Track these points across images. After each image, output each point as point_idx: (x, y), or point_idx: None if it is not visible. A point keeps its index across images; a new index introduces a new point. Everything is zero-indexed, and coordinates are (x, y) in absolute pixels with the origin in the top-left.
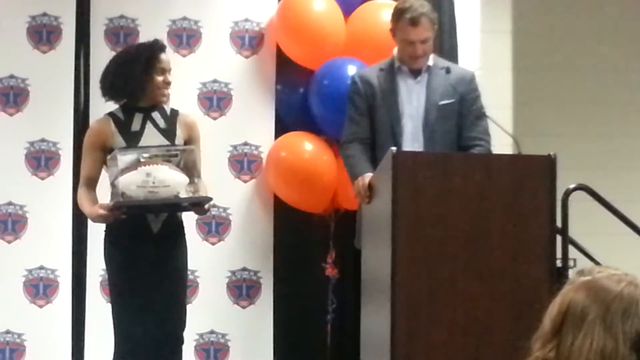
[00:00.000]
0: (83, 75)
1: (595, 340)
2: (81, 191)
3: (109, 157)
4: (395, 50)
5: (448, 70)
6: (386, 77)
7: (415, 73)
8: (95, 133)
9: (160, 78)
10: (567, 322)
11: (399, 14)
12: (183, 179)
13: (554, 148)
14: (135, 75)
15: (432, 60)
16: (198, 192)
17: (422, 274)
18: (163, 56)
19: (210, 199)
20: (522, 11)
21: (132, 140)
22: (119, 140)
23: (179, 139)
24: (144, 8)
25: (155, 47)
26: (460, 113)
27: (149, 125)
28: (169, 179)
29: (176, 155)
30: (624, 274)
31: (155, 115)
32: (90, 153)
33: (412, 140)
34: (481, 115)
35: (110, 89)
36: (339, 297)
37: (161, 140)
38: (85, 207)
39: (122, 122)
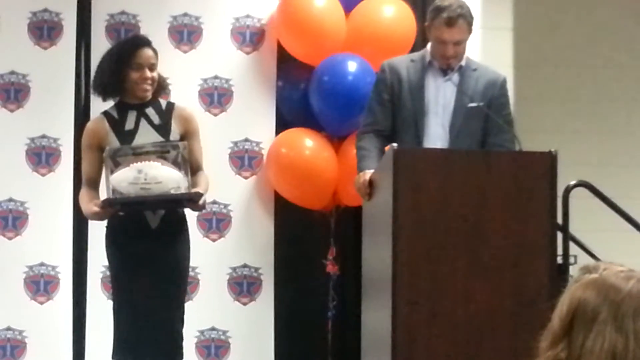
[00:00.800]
0: (84, 72)
1: (606, 341)
2: (82, 191)
3: (104, 154)
4: (429, 45)
5: (479, 72)
6: (416, 70)
7: (445, 71)
8: (90, 133)
9: (135, 74)
10: (577, 322)
11: (436, 12)
12: (176, 174)
13: (554, 144)
14: (107, 71)
15: (464, 60)
16: (195, 186)
17: (422, 271)
18: (142, 51)
19: (201, 195)
20: (523, 8)
21: (126, 139)
22: (114, 140)
23: (174, 133)
24: (145, 4)
25: (131, 43)
26: (488, 117)
27: (143, 123)
28: (161, 175)
29: (168, 152)
30: (630, 270)
31: (150, 111)
32: (88, 154)
33: (435, 138)
34: (509, 122)
35: (94, 87)
36: (339, 294)
37: (155, 137)
38: (83, 205)
39: (116, 120)
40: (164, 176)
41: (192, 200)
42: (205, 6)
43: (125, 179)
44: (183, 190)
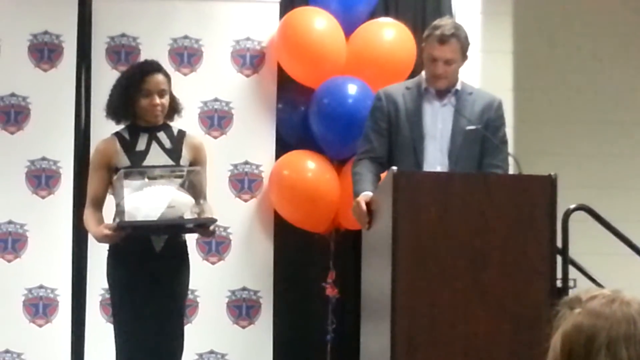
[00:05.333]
0: (84, 94)
1: None
2: (87, 212)
3: (115, 177)
4: (423, 72)
5: (475, 96)
6: (412, 97)
7: (442, 96)
8: (101, 152)
9: (145, 100)
10: None
11: (430, 30)
12: (188, 200)
13: (553, 167)
14: (117, 97)
15: (459, 84)
16: (203, 213)
17: (422, 295)
18: (151, 77)
19: (215, 220)
20: (523, 31)
21: (136, 159)
22: (124, 159)
23: (184, 159)
24: (146, 26)
25: (140, 69)
26: (484, 139)
27: (154, 145)
28: (174, 200)
29: (181, 176)
30: (610, 293)
31: (161, 135)
32: (96, 173)
33: (434, 162)
34: (503, 143)
35: (107, 111)
36: (338, 317)
37: (166, 160)
38: (91, 227)
39: (127, 141)
40: (178, 201)
41: (204, 226)
42: (206, 29)
43: (138, 202)
44: (194, 216)
